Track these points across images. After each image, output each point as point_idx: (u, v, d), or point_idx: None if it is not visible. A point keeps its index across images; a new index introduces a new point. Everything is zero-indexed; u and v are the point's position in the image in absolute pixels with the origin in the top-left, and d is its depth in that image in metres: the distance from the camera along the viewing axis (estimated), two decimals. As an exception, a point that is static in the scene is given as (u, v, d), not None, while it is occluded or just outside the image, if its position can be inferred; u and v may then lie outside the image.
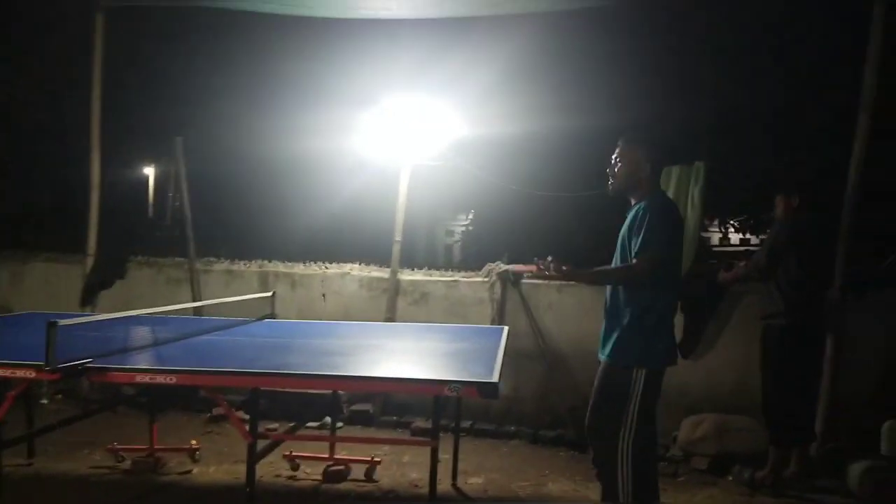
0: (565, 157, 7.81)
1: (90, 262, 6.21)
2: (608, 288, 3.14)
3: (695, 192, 5.34)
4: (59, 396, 5.94)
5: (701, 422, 4.95)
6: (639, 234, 2.88)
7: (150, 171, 15.39)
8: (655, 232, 2.85)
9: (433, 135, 5.94)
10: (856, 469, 4.24)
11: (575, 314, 5.63)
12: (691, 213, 5.39)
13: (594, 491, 4.25)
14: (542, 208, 8.23)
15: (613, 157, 3.07)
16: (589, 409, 3.12)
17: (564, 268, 2.94)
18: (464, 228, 23.45)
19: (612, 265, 3.13)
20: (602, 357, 3.12)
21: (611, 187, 3.10)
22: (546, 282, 5.74)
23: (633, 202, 3.09)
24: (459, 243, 23.11)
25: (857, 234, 4.71)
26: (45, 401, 5.67)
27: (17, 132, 8.77)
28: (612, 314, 3.07)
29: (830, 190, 4.92)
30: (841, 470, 4.38)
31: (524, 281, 5.76)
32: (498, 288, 5.75)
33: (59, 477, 4.09)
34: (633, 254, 2.91)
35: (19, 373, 2.62)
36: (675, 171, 5.42)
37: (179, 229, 6.62)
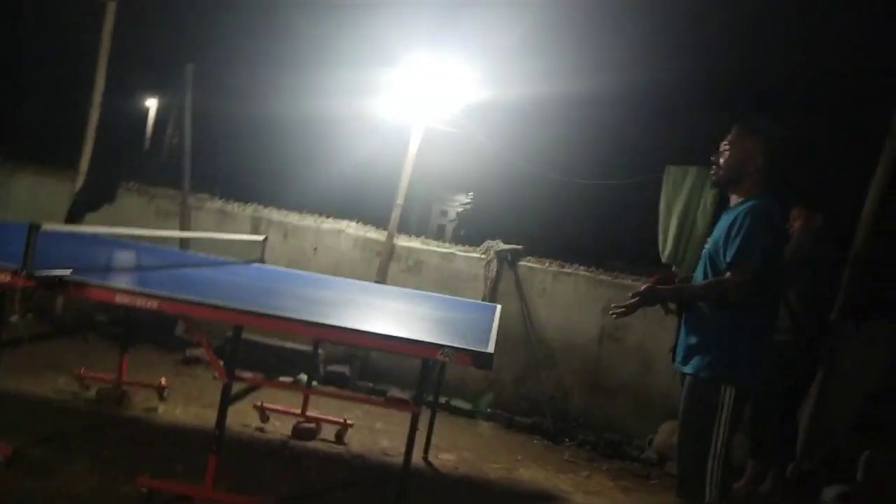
0: (578, 142, 7.63)
1: (81, 180, 6.01)
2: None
3: (707, 198, 5.22)
4: (30, 315, 5.74)
5: (680, 428, 4.88)
6: (735, 242, 2.54)
7: (152, 104, 14.99)
8: (754, 240, 2.50)
9: (448, 98, 5.75)
10: (830, 493, 4.20)
11: (566, 303, 5.53)
12: (701, 219, 5.27)
13: (564, 482, 4.18)
14: (548, 192, 8.08)
15: (723, 143, 2.71)
16: (678, 425, 2.84)
17: (644, 288, 2.67)
18: (461, 209, 23.28)
19: (699, 273, 2.78)
20: (683, 370, 2.76)
21: (713, 176, 2.76)
22: (543, 266, 5.65)
23: (732, 201, 2.73)
24: (455, 223, 22.95)
25: (864, 261, 4.63)
26: (14, 317, 5.48)
27: (24, 41, 8.45)
28: (695, 325, 2.72)
29: (847, 212, 4.82)
30: (815, 493, 4.34)
31: (521, 263, 5.64)
32: (494, 266, 5.63)
33: (18, 395, 3.93)
34: (725, 264, 2.58)
35: (-9, 276, 2.45)
36: (691, 171, 5.29)
37: (176, 160, 6.40)
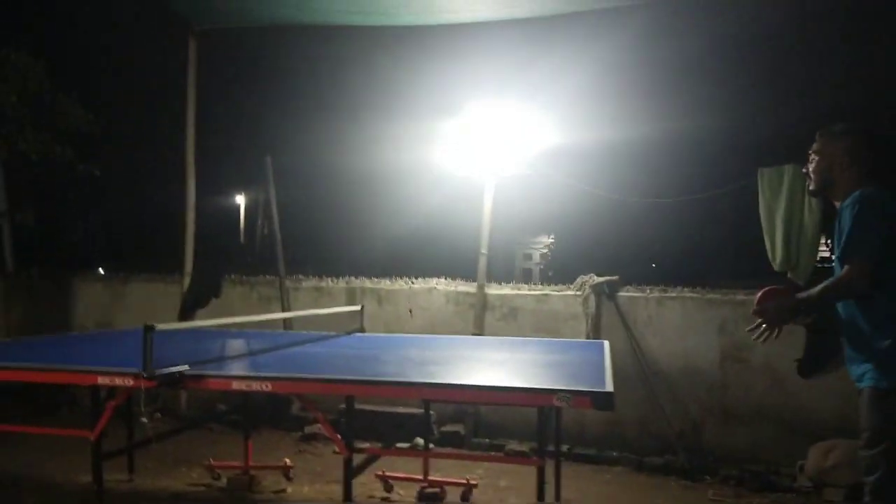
0: (656, 165, 7.41)
1: (186, 280, 6.41)
2: (839, 305, 2.66)
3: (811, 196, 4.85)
4: (158, 415, 6.06)
5: (832, 448, 4.40)
6: (843, 237, 2.45)
7: (241, 200, 16.06)
8: (862, 229, 2.42)
9: (519, 145, 5.75)
10: None
11: (677, 329, 5.22)
12: (808, 219, 4.91)
13: (712, 523, 3.83)
14: (633, 219, 7.82)
15: (810, 152, 2.71)
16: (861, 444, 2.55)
17: (762, 308, 2.57)
18: (544, 250, 23.05)
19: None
20: (858, 386, 2.55)
21: (809, 187, 2.76)
22: (645, 294, 5.40)
23: (837, 205, 2.66)
24: (541, 266, 22.72)
25: None
26: (144, 419, 5.79)
27: (114, 160, 9.32)
28: (849, 333, 2.58)
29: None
30: None
31: (620, 294, 5.42)
32: (592, 301, 5.43)
33: (157, 493, 4.10)
34: (838, 262, 2.49)
35: (118, 380, 2.60)
36: (787, 171, 4.97)
37: (269, 249, 6.74)
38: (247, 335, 4.57)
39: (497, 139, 5.67)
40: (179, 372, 2.61)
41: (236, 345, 3.97)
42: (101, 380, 2.65)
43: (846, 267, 2.40)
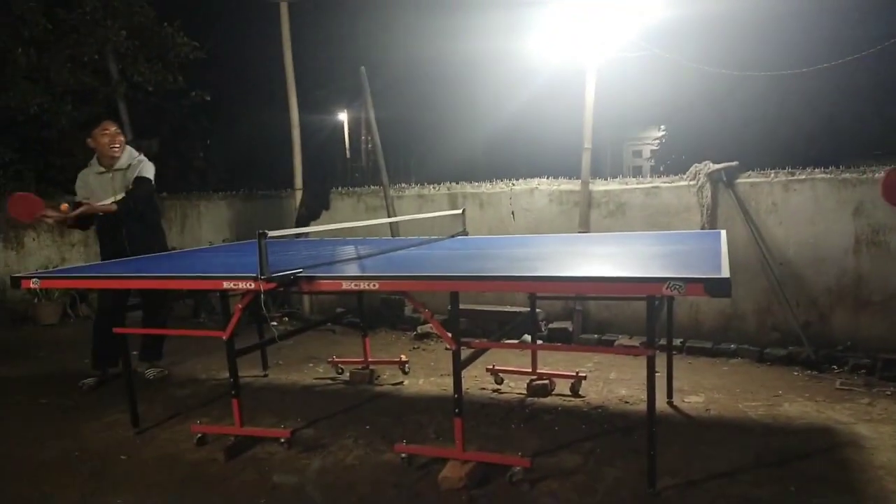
0: (779, 35, 6.57)
1: (299, 195, 6.72)
2: None
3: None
4: (286, 319, 6.59)
5: None
6: None
7: (343, 117, 16.35)
8: None
9: (621, 22, 5.29)
10: None
11: (806, 215, 4.81)
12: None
13: (841, 412, 3.65)
14: (754, 98, 7.10)
15: None
16: None
17: None
18: (655, 144, 21.80)
19: None
20: None
21: None
22: (769, 178, 4.98)
23: None
24: (651, 161, 21.56)
25: None
26: (274, 323, 6.33)
27: (223, 89, 9.68)
28: None
29: None
30: None
31: (739, 181, 5.03)
32: (708, 191, 5.10)
33: (288, 386, 4.51)
34: None
35: (241, 284, 2.80)
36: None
37: (372, 162, 6.88)
38: (355, 242, 4.77)
39: (597, 17, 5.26)
40: (293, 274, 2.76)
41: (346, 250, 4.14)
42: (225, 284, 2.86)
43: None
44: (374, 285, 2.67)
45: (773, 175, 4.97)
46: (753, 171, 5.07)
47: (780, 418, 3.62)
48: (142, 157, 4.59)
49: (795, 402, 3.86)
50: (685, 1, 5.26)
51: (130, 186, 4.46)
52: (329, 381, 4.58)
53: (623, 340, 5.23)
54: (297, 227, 6.44)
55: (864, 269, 4.63)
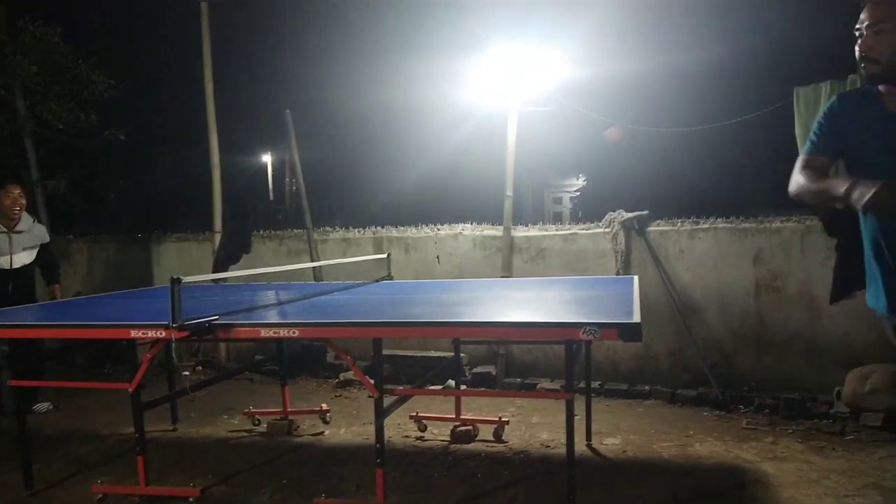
0: (686, 94, 7.11)
1: (218, 238, 6.52)
2: (872, 221, 2.11)
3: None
4: (200, 368, 6.29)
5: (870, 374, 4.33)
6: None
7: (267, 158, 16.15)
8: None
9: (541, 79, 5.57)
10: None
11: (710, 260, 5.12)
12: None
13: (747, 451, 3.83)
14: (663, 152, 7.59)
15: (864, 24, 2.05)
16: None
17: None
18: (574, 194, 22.73)
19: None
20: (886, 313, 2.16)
21: (867, 71, 2.07)
22: (676, 227, 5.28)
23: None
24: (570, 209, 22.44)
25: None
26: (186, 373, 6.02)
27: (140, 129, 9.39)
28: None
29: None
30: None
31: (650, 229, 5.31)
32: (621, 238, 5.35)
33: (200, 440, 4.27)
34: None
35: (150, 333, 2.67)
36: (824, 87, 4.70)
37: (296, 204, 6.81)
38: (276, 287, 4.66)
39: (519, 72, 5.51)
40: (209, 322, 2.66)
41: (266, 296, 4.04)
42: (133, 333, 2.73)
43: None
44: (294, 332, 2.61)
45: (679, 223, 5.29)
46: (662, 219, 5.37)
47: (691, 458, 3.76)
48: (35, 221, 4.98)
49: (705, 442, 4.02)
50: (599, 63, 5.60)
51: (37, 249, 4.86)
52: (245, 434, 4.38)
53: (545, 384, 5.31)
54: (215, 271, 6.22)
55: (764, 313, 4.95)
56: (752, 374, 4.96)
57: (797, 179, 2.13)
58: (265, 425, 4.39)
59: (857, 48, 2.07)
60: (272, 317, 3.04)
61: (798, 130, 4.85)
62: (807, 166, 2.16)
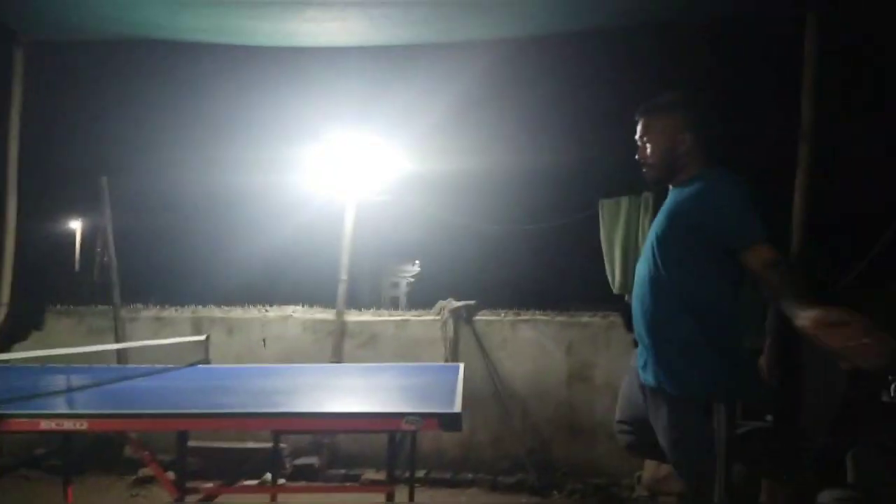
0: (513, 193, 7.77)
1: (3, 311, 5.65)
2: (640, 295, 2.37)
3: (645, 223, 5.31)
4: (-39, 466, 5.24)
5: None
6: (730, 221, 2.12)
7: (77, 225, 14.60)
8: (750, 209, 2.12)
9: (378, 170, 5.77)
10: (825, 498, 4.08)
11: (530, 350, 5.44)
12: (643, 244, 5.35)
13: (561, 537, 3.97)
14: (491, 245, 8.12)
15: (637, 136, 2.37)
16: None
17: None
18: (410, 279, 23.25)
19: (642, 269, 2.38)
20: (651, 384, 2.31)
21: (646, 176, 2.39)
22: (500, 317, 5.58)
23: (678, 188, 2.33)
24: (407, 293, 22.85)
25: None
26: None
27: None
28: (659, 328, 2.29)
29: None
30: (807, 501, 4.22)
31: (477, 318, 5.56)
32: (451, 325, 5.52)
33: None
34: (739, 242, 2.10)
35: None
36: (623, 202, 5.40)
37: (104, 277, 6.18)
38: (70, 370, 4.08)
39: (356, 164, 5.65)
40: (-27, 413, 2.26)
41: (55, 381, 3.53)
42: None
43: (765, 250, 2.05)
44: (82, 424, 2.29)
45: (503, 314, 5.60)
46: (489, 309, 5.66)
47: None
48: None
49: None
50: (432, 159, 5.97)
51: None
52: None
53: (370, 474, 5.14)
54: (-4, 348, 5.36)
55: (575, 401, 5.31)
56: (566, 459, 5.22)
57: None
58: (38, 535, 3.72)
59: (636, 156, 2.42)
60: (57, 406, 2.66)
61: (603, 235, 5.49)
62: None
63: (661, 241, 2.28)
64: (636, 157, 2.39)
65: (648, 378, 2.30)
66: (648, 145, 2.33)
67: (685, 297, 2.21)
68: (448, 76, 5.84)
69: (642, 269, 2.38)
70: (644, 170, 2.38)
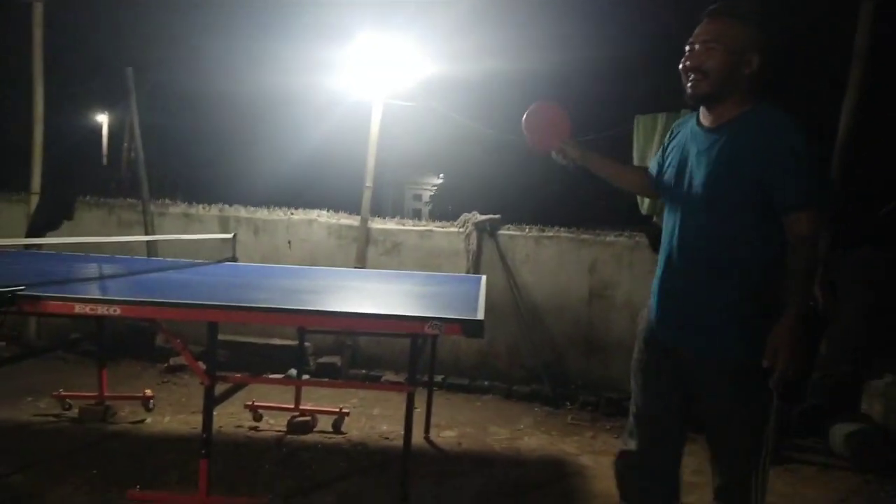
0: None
1: (34, 200, 5.76)
2: (677, 236, 2.08)
3: (681, 143, 5.13)
4: (2, 344, 5.52)
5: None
6: (791, 175, 1.86)
7: (104, 119, 14.56)
8: (815, 167, 1.89)
9: (405, 73, 5.58)
10: (838, 431, 4.14)
11: (552, 267, 5.44)
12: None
13: (570, 444, 4.12)
14: (518, 160, 7.95)
15: (697, 41, 1.98)
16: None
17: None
18: (433, 191, 23.13)
19: (686, 221, 2.05)
20: (690, 349, 2.04)
21: (693, 90, 1.99)
22: (524, 233, 5.55)
23: (712, 119, 2.02)
24: (430, 206, 22.82)
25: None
26: (-17, 347, 5.27)
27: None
28: (703, 282, 2.01)
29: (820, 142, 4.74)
30: (821, 429, 4.30)
31: (501, 232, 5.53)
32: (474, 238, 5.51)
33: (-4, 425, 3.75)
34: (786, 201, 1.88)
35: (-64, 298, 2.27)
36: (660, 118, 5.18)
37: (133, 172, 6.20)
38: (101, 259, 4.20)
39: (385, 65, 5.47)
40: (12, 291, 2.33)
41: (88, 268, 3.63)
42: (-87, 299, 2.31)
43: (813, 219, 1.86)
44: (115, 310, 2.36)
45: (527, 230, 5.57)
46: (512, 224, 5.63)
47: (521, 451, 3.97)
48: None
49: (534, 436, 4.27)
50: (462, 61, 5.72)
51: None
52: (52, 419, 3.91)
53: (390, 376, 5.33)
54: (28, 236, 5.50)
55: (594, 318, 5.36)
56: (580, 373, 5.34)
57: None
58: (76, 410, 3.95)
59: (684, 62, 2.02)
60: (91, 291, 2.73)
61: (635, 155, 5.30)
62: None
63: (722, 187, 1.95)
64: (687, 62, 2.00)
65: (699, 343, 2.00)
66: (714, 51, 1.94)
67: (750, 249, 1.95)
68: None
69: (696, 218, 2.02)
70: (693, 79, 1.98)
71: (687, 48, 2.02)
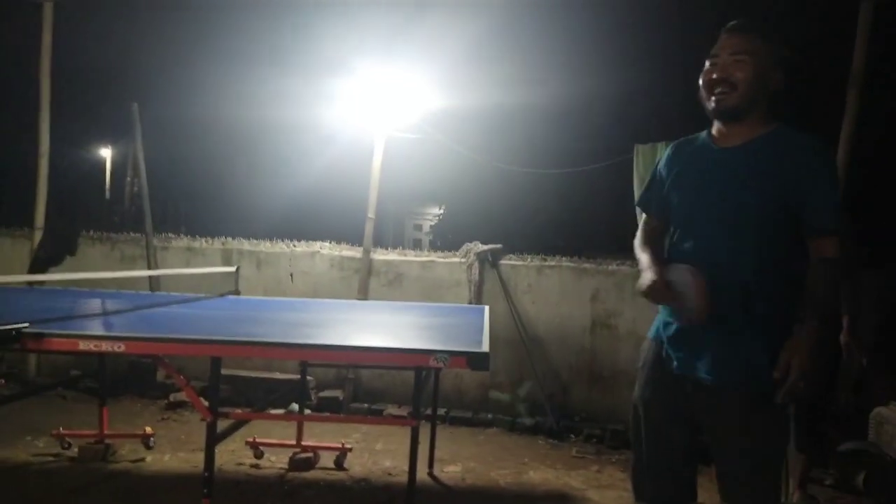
0: (542, 136, 7.59)
1: (38, 236, 5.78)
2: (694, 258, 1.96)
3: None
4: (2, 381, 5.48)
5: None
6: (825, 199, 1.84)
7: (107, 153, 14.70)
8: (837, 191, 1.88)
9: (407, 106, 5.66)
10: (848, 462, 4.07)
11: (554, 296, 5.43)
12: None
13: (575, 479, 4.06)
14: (519, 189, 8.00)
15: (725, 54, 1.92)
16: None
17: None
18: (434, 221, 23.21)
19: (727, 246, 1.93)
20: (707, 378, 1.93)
21: (718, 103, 1.93)
22: (526, 262, 5.56)
23: (737, 135, 1.96)
24: (430, 237, 22.88)
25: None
26: (-17, 385, 5.23)
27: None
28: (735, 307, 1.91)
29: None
30: (826, 457, 4.23)
31: (503, 262, 5.54)
32: (476, 269, 5.51)
33: (-6, 465, 3.70)
34: (818, 225, 1.85)
35: (-61, 338, 2.27)
36: (660, 147, 5.23)
37: (136, 207, 6.24)
38: (104, 295, 4.20)
39: (386, 98, 5.55)
40: (16, 329, 2.32)
41: (90, 304, 3.62)
42: (-85, 338, 2.30)
43: (836, 244, 1.85)
44: (119, 346, 2.35)
45: (529, 259, 5.57)
46: (514, 254, 5.64)
47: (525, 485, 3.90)
48: None
49: (538, 470, 4.20)
50: (464, 94, 5.80)
51: None
52: (51, 458, 3.85)
53: (392, 409, 5.28)
54: (34, 271, 5.50)
55: (597, 348, 5.33)
56: (583, 404, 5.29)
57: (637, 235, 2.23)
58: (76, 449, 3.90)
59: (709, 74, 1.95)
60: (95, 328, 2.72)
61: (636, 184, 5.34)
62: (644, 225, 2.25)
63: (747, 207, 1.90)
64: (713, 74, 1.93)
65: (723, 374, 1.90)
66: (743, 63, 1.89)
67: (780, 269, 1.91)
68: (478, 8, 5.59)
69: (715, 240, 1.95)
70: (719, 91, 1.92)
71: (708, 62, 1.96)
